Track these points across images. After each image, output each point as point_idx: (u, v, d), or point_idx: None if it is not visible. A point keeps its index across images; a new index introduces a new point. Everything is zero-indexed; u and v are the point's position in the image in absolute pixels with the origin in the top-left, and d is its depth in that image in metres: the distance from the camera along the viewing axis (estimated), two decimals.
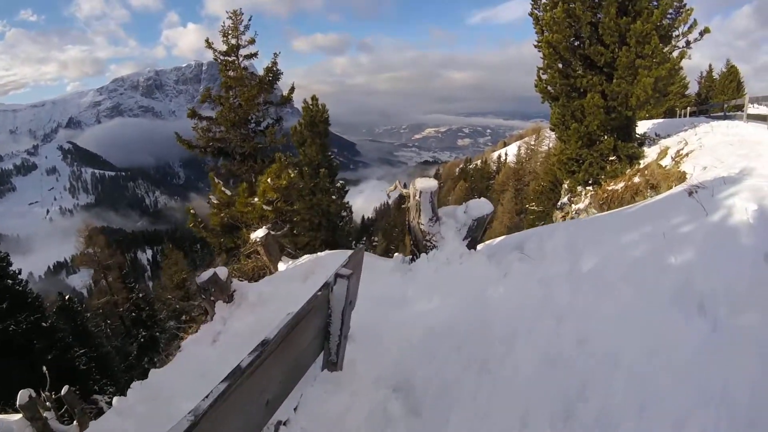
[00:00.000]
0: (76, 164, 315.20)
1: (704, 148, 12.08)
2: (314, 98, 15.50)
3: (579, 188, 18.06)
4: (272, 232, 7.53)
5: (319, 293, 3.05)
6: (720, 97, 36.52)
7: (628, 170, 15.36)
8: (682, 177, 11.11)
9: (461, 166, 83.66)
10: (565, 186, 23.77)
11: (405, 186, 6.96)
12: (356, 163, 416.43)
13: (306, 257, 7.14)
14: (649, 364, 3.22)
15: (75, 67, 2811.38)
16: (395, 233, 64.18)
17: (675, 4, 14.27)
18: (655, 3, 14.24)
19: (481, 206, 6.13)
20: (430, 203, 6.00)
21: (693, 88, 42.42)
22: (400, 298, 5.14)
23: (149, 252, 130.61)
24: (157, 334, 30.12)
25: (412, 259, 6.29)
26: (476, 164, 79.63)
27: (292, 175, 9.96)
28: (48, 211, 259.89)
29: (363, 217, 74.13)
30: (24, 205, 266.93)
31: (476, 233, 6.11)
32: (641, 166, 15.09)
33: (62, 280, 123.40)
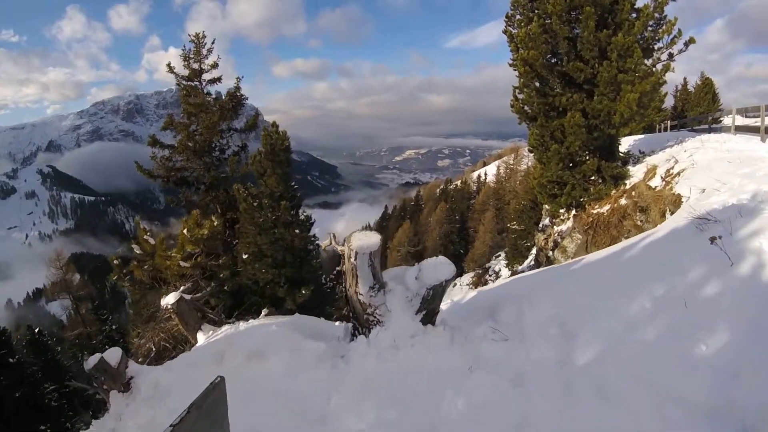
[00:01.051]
0: (55, 188, 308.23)
1: (697, 166, 10.93)
2: (274, 125, 14.31)
3: (561, 211, 17.08)
4: (186, 296, 6.06)
5: None
6: (696, 110, 36.05)
7: (614, 191, 14.34)
8: (676, 200, 10.07)
9: (442, 186, 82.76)
10: (546, 207, 22.80)
11: (331, 237, 5.64)
12: (338, 186, 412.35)
13: (225, 328, 5.74)
14: None
15: (56, 89, 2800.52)
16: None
17: (656, 15, 13.42)
18: (634, 15, 13.38)
19: (438, 269, 4.70)
20: (369, 267, 4.62)
21: (668, 102, 42.14)
22: (320, 409, 3.72)
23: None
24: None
25: (354, 335, 4.92)
26: (456, 184, 78.61)
27: (216, 223, 8.40)
28: (27, 236, 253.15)
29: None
30: (2, 230, 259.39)
31: (433, 304, 4.71)
32: (627, 186, 14.07)
33: (42, 307, 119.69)
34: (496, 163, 76.87)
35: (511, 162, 63.49)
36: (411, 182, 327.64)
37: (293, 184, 14.17)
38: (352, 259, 4.65)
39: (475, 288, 45.41)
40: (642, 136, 23.89)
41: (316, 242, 14.82)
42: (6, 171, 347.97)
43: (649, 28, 13.53)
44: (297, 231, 13.08)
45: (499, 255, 46.30)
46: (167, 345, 7.76)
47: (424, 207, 75.32)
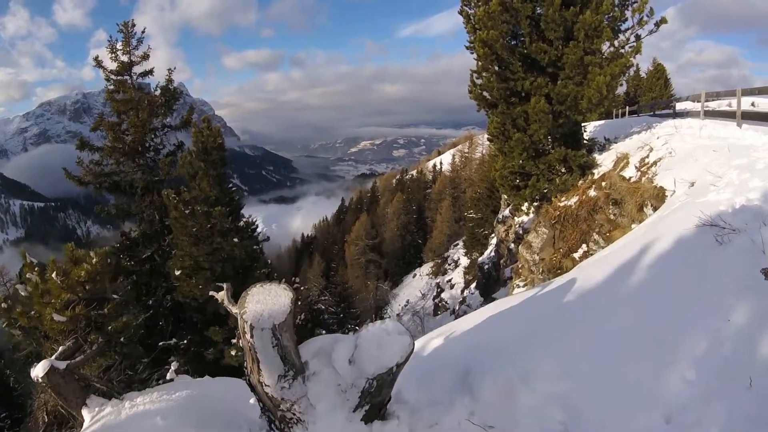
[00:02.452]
0: (3, 196, 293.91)
1: (677, 154, 9.84)
2: (206, 120, 12.69)
3: (525, 204, 16.16)
4: (60, 365, 4.30)
5: None
6: (648, 95, 36.14)
7: (581, 182, 13.37)
8: (659, 194, 9.03)
9: (398, 177, 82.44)
10: (505, 196, 21.85)
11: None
12: (293, 180, 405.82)
13: (107, 411, 4.08)
14: None
15: (0, 91, 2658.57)
16: (335, 250, 61.87)
17: None
18: None
19: (384, 346, 2.97)
20: (275, 348, 2.92)
21: (620, 88, 42.23)
22: None
23: None
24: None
25: (271, 429, 3.28)
26: (412, 174, 79.17)
27: (95, 260, 6.25)
28: None
29: (303, 235, 71.46)
30: None
31: (379, 396, 3.06)
32: (596, 176, 13.09)
33: None
34: (451, 151, 77.98)
35: (466, 150, 64.64)
36: (367, 173, 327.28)
37: (230, 186, 12.69)
38: (248, 336, 2.96)
39: (435, 277, 44.96)
40: (602, 121, 23.12)
41: (263, 241, 13.61)
42: None
43: (615, 8, 12.59)
44: (236, 240, 11.55)
45: (458, 244, 46.28)
46: (62, 411, 6.03)
47: (381, 198, 75.30)
